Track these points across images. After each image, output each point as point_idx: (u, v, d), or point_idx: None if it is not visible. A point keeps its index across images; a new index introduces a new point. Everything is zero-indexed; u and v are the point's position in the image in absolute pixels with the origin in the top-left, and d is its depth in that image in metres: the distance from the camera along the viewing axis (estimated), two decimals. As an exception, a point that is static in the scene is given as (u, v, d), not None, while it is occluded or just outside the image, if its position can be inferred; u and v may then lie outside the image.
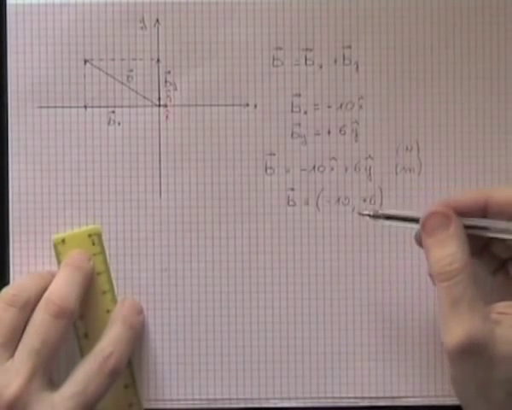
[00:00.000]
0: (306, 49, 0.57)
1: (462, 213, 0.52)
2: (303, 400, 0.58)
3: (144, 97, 0.57)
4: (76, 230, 0.57)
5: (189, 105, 0.57)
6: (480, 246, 0.54)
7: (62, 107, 0.57)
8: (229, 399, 0.58)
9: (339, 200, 0.57)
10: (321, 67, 0.57)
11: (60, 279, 0.54)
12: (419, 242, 0.53)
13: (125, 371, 0.55)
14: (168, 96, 0.57)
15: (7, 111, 0.57)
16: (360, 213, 0.55)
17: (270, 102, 0.57)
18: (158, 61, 0.57)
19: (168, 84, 0.57)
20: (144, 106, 0.57)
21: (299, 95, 0.57)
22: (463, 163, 0.57)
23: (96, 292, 0.56)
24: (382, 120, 0.57)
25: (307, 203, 0.57)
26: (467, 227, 0.51)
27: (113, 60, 0.57)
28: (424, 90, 0.57)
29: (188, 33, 0.57)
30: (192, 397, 0.57)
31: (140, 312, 0.57)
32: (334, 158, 0.57)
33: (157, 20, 0.57)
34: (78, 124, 0.57)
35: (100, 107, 0.57)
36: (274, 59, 0.57)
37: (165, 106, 0.57)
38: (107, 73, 0.57)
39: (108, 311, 0.56)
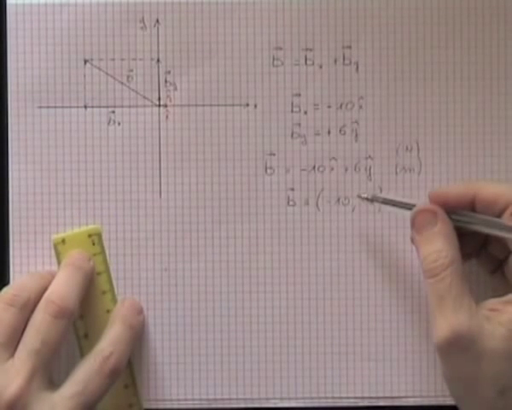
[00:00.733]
0: (306, 49, 0.57)
1: (450, 206, 0.52)
2: (303, 400, 0.58)
3: (144, 97, 0.57)
4: (76, 230, 0.57)
5: (189, 105, 0.57)
6: (477, 246, 0.54)
7: (62, 107, 0.57)
8: (229, 399, 0.58)
9: (339, 200, 0.57)
10: (321, 67, 0.57)
11: (60, 279, 0.54)
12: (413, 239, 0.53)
13: (124, 372, 0.55)
14: (168, 96, 0.57)
15: (7, 111, 0.57)
16: (359, 196, 0.55)
17: (270, 102, 0.57)
18: (158, 61, 0.57)
19: (168, 84, 0.57)
20: (144, 106, 0.57)
21: (299, 95, 0.57)
22: (463, 163, 0.57)
23: (95, 292, 0.56)
24: (382, 119, 0.57)
25: (307, 203, 0.57)
26: (454, 220, 0.52)
27: (113, 60, 0.57)
28: (424, 90, 0.57)
29: (188, 33, 0.57)
30: (192, 397, 0.57)
31: (140, 312, 0.57)
32: (334, 158, 0.57)
33: (157, 20, 0.57)
34: (78, 124, 0.57)
35: (100, 107, 0.57)
36: (274, 59, 0.57)
37: (165, 106, 0.57)
38: (107, 73, 0.57)
39: (108, 311, 0.56)
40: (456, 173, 0.57)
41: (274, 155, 0.57)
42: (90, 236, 0.56)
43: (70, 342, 0.56)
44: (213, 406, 0.58)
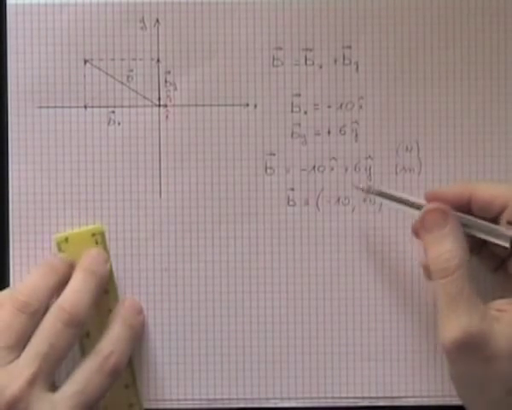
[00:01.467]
0: (306, 49, 0.57)
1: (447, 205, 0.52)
2: (303, 400, 0.58)
3: (144, 97, 0.57)
4: (79, 229, 0.57)
5: (189, 105, 0.57)
6: (479, 244, 0.54)
7: (62, 107, 0.57)
8: (229, 399, 0.58)
9: (339, 200, 0.57)
10: (321, 67, 0.57)
11: (74, 285, 0.54)
12: (415, 233, 0.53)
13: (125, 372, 0.55)
14: (168, 96, 0.57)
15: (7, 111, 0.57)
16: (354, 185, 0.56)
17: (270, 102, 0.57)
18: (158, 61, 0.57)
19: (168, 84, 0.57)
20: (144, 106, 0.57)
21: (299, 95, 0.57)
22: (463, 163, 0.57)
23: (97, 292, 0.56)
24: (382, 119, 0.57)
25: (307, 203, 0.57)
26: None
27: (113, 60, 0.57)
28: (424, 90, 0.57)
29: (188, 33, 0.57)
30: (192, 397, 0.57)
31: (140, 312, 0.57)
32: (334, 158, 0.57)
33: (157, 20, 0.57)
34: (78, 124, 0.57)
35: (100, 107, 0.57)
36: (274, 59, 0.57)
37: (165, 106, 0.57)
38: (107, 73, 0.57)
39: (110, 310, 0.56)
40: (456, 173, 0.57)
41: (274, 155, 0.57)
42: (93, 235, 0.56)
43: (70, 342, 0.56)
44: (213, 406, 0.58)
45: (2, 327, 0.52)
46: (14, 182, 0.57)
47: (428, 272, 0.52)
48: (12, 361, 0.51)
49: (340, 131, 0.57)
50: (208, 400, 0.57)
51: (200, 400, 0.58)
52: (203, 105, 0.57)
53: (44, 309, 0.53)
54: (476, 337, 0.48)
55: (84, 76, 0.57)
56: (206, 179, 0.57)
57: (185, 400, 0.58)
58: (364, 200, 0.57)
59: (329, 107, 0.57)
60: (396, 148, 0.57)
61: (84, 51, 0.57)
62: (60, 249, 0.56)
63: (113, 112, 0.57)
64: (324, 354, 0.58)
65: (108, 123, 0.57)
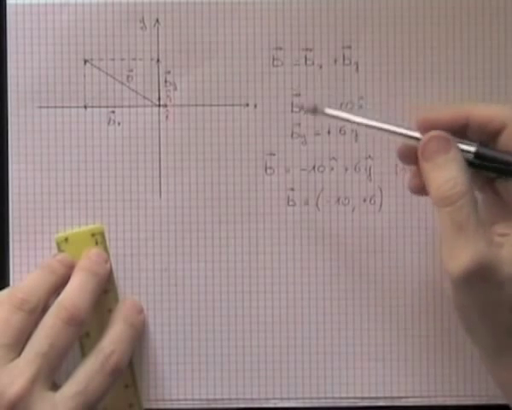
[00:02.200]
0: (306, 49, 0.57)
1: (441, 129, 0.50)
2: (303, 400, 0.58)
3: (144, 97, 0.57)
4: (79, 228, 0.57)
5: (188, 105, 0.57)
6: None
7: (62, 107, 0.57)
8: (229, 399, 0.58)
9: (339, 200, 0.57)
10: (321, 67, 0.57)
11: (74, 284, 0.54)
12: (403, 157, 0.52)
13: (125, 372, 0.55)
14: (168, 96, 0.57)
15: (7, 111, 0.57)
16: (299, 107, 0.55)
17: (270, 102, 0.57)
18: (158, 61, 0.57)
19: (168, 84, 0.57)
20: (144, 106, 0.57)
21: (299, 95, 0.57)
22: (463, 163, 0.57)
23: (97, 292, 0.56)
24: (382, 120, 0.57)
25: (307, 203, 0.57)
26: None
27: (113, 60, 0.57)
28: (424, 90, 0.57)
29: (188, 33, 0.57)
30: (192, 397, 0.58)
31: (141, 311, 0.57)
32: (334, 158, 0.57)
33: (157, 20, 0.57)
34: (78, 124, 0.57)
35: (100, 107, 0.57)
36: (274, 59, 0.57)
37: (165, 106, 0.57)
38: (107, 73, 0.57)
39: (110, 310, 0.56)
40: (456, 173, 0.57)
41: (274, 155, 0.57)
42: (93, 235, 0.56)
43: (70, 341, 0.56)
44: (213, 406, 0.58)
45: (0, 325, 0.52)
46: (14, 182, 0.57)
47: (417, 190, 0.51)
48: (12, 360, 0.51)
49: (340, 131, 0.57)
50: (208, 400, 0.57)
51: (200, 400, 0.58)
52: (203, 105, 0.57)
53: (43, 308, 0.53)
54: (486, 265, 0.47)
55: (84, 76, 0.57)
56: (206, 179, 0.57)
57: (185, 400, 0.58)
58: (364, 200, 0.57)
59: (329, 107, 0.57)
60: (396, 148, 0.57)
61: (84, 51, 0.57)
62: (60, 249, 0.56)
63: (113, 112, 0.57)
64: (324, 354, 0.58)
65: (108, 123, 0.57)
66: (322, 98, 0.57)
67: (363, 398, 0.58)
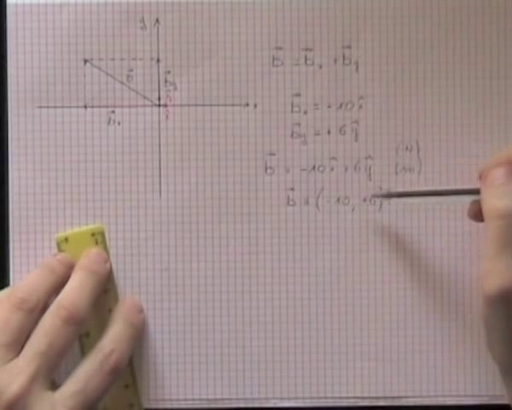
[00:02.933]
0: (306, 49, 0.57)
1: None
2: (303, 400, 0.58)
3: (144, 97, 0.57)
4: (79, 228, 0.57)
5: (188, 105, 0.57)
6: None
7: (62, 107, 0.57)
8: (229, 399, 0.58)
9: (339, 200, 0.57)
10: (321, 67, 0.57)
11: (74, 283, 0.54)
12: (474, 216, 0.53)
13: (125, 371, 0.55)
14: (168, 96, 0.57)
15: (7, 111, 0.57)
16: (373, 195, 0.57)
17: (270, 102, 0.57)
18: (158, 61, 0.57)
19: (168, 84, 0.57)
20: (144, 106, 0.57)
21: (299, 95, 0.57)
22: (463, 163, 0.57)
23: (97, 291, 0.56)
24: (382, 119, 0.57)
25: (307, 203, 0.57)
26: None
27: (113, 60, 0.57)
28: (424, 90, 0.57)
29: (188, 33, 0.57)
30: (192, 397, 0.57)
31: (141, 311, 0.57)
32: (334, 158, 0.57)
33: (157, 20, 0.57)
34: (78, 124, 0.57)
35: (100, 107, 0.57)
36: (274, 59, 0.57)
37: (165, 106, 0.57)
38: (107, 73, 0.57)
39: (110, 310, 0.56)
40: (456, 173, 0.57)
41: (274, 155, 0.57)
42: (93, 235, 0.56)
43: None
44: (213, 406, 0.58)
45: None
46: (14, 182, 0.57)
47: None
48: (11, 360, 0.51)
49: (340, 131, 0.57)
50: (208, 400, 0.57)
51: (201, 400, 0.58)
52: (203, 105, 0.57)
53: (42, 308, 0.53)
54: None
55: (84, 76, 0.57)
56: (206, 179, 0.57)
57: (185, 400, 0.58)
58: (364, 200, 0.57)
59: (329, 107, 0.57)
60: (396, 148, 0.57)
61: (84, 51, 0.57)
62: (60, 249, 0.56)
63: (113, 112, 0.57)
64: (324, 354, 0.57)
65: (108, 123, 0.57)
66: (322, 98, 0.57)
67: (363, 398, 0.58)
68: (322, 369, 0.58)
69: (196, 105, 0.57)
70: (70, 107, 0.57)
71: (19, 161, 0.57)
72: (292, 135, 0.57)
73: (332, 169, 0.57)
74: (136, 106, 0.57)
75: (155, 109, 0.57)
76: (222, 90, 0.57)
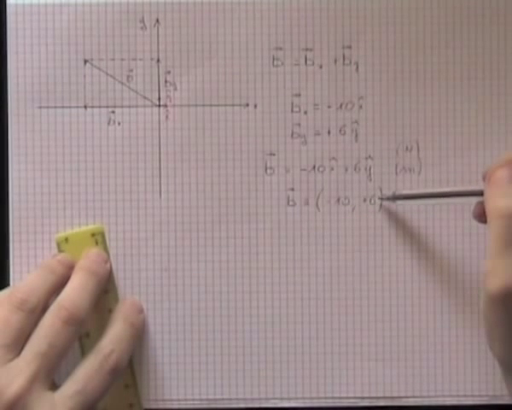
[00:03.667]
0: (306, 49, 0.57)
1: None
2: (303, 400, 0.58)
3: (144, 97, 0.57)
4: (79, 229, 0.57)
5: (189, 105, 0.57)
6: None
7: (62, 107, 0.57)
8: (229, 399, 0.58)
9: (339, 200, 0.57)
10: (321, 67, 0.57)
11: (74, 284, 0.54)
12: (478, 217, 0.53)
13: (125, 372, 0.55)
14: (168, 96, 0.57)
15: (7, 111, 0.57)
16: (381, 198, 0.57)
17: (270, 102, 0.57)
18: (158, 61, 0.57)
19: (168, 84, 0.57)
20: (144, 106, 0.57)
21: (299, 95, 0.57)
22: (463, 163, 0.57)
23: (97, 292, 0.56)
24: (382, 120, 0.57)
25: (307, 203, 0.57)
26: None
27: (113, 60, 0.57)
28: (424, 90, 0.57)
29: (188, 33, 0.57)
30: (192, 397, 0.58)
31: (141, 311, 0.57)
32: (334, 158, 0.57)
33: (157, 20, 0.57)
34: (78, 124, 0.57)
35: (100, 107, 0.57)
36: (274, 59, 0.57)
37: (165, 106, 0.57)
38: (107, 73, 0.57)
39: (110, 310, 0.56)
40: (456, 173, 0.57)
41: (274, 155, 0.57)
42: (93, 235, 0.56)
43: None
44: (213, 406, 0.58)
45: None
46: (14, 182, 0.57)
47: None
48: (11, 360, 0.51)
49: (340, 131, 0.57)
50: (208, 400, 0.58)
51: (201, 400, 0.58)
52: (203, 105, 0.57)
53: (43, 308, 0.53)
54: None
55: (84, 76, 0.57)
56: (206, 179, 0.57)
57: (185, 400, 0.58)
58: (364, 200, 0.57)
59: (329, 107, 0.57)
60: (396, 148, 0.57)
61: (84, 51, 0.57)
62: (60, 249, 0.56)
63: (113, 112, 0.57)
64: (324, 354, 0.58)
65: (108, 123, 0.57)
66: (322, 98, 0.57)
67: (363, 398, 0.58)
68: (322, 369, 0.58)
69: (196, 105, 0.57)
70: (70, 107, 0.57)
71: (19, 161, 0.57)
72: (292, 135, 0.57)
73: (332, 169, 0.57)
74: (136, 106, 0.57)
75: (155, 109, 0.57)
76: (222, 90, 0.57)
